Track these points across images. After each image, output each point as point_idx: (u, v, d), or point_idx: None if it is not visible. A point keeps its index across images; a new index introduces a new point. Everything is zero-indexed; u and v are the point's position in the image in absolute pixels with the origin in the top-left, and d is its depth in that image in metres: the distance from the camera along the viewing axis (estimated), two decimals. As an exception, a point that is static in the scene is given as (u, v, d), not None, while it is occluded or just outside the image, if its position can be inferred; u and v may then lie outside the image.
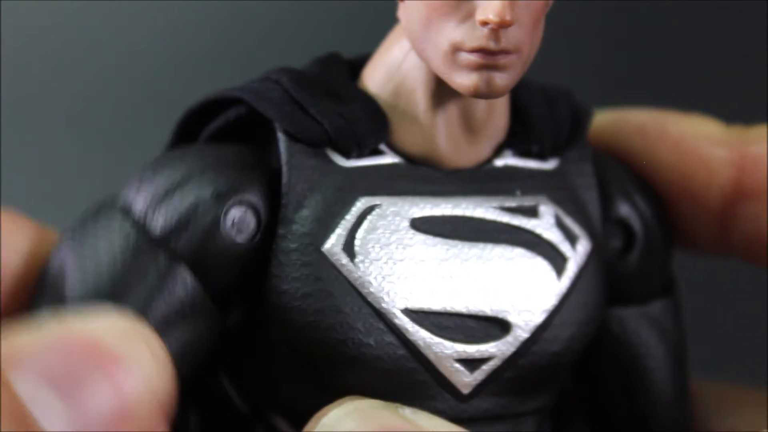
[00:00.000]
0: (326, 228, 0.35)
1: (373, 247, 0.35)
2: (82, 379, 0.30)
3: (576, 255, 0.37)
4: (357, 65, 0.38)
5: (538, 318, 0.36)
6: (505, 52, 0.34)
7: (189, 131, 0.38)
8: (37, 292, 0.35)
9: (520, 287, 0.36)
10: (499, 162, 0.38)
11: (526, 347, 0.36)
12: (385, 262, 0.35)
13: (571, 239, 0.37)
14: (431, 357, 0.35)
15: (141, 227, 0.34)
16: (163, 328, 0.33)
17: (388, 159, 0.36)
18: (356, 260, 0.35)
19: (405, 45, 0.36)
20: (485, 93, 0.34)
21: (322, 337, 0.35)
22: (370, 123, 0.36)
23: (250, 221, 0.35)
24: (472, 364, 0.36)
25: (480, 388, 0.36)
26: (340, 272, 0.35)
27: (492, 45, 0.33)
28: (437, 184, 0.36)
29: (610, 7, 0.62)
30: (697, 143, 0.41)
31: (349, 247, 0.35)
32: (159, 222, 0.35)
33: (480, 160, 0.37)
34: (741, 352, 0.57)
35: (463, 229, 0.36)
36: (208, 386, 0.39)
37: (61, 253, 0.35)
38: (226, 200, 0.35)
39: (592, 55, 0.62)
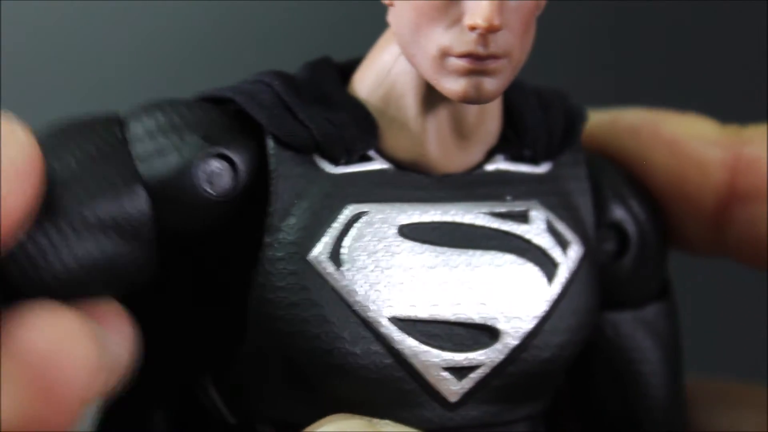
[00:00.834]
0: (313, 236, 0.35)
1: (359, 255, 0.35)
2: None
3: (567, 260, 0.37)
4: (348, 70, 0.38)
5: (528, 324, 0.36)
6: (494, 57, 0.33)
7: None
8: None
9: (510, 294, 0.36)
10: (490, 167, 0.37)
11: (515, 354, 0.36)
12: (372, 270, 0.35)
13: (563, 244, 0.37)
14: (418, 365, 0.35)
15: (125, 142, 0.35)
16: (93, 227, 0.33)
17: (377, 165, 0.36)
18: (343, 268, 0.35)
19: (395, 50, 0.36)
20: (474, 98, 0.34)
21: (309, 346, 0.34)
22: (359, 129, 0.36)
23: (226, 177, 0.35)
24: (460, 372, 0.35)
25: (468, 396, 0.36)
26: (326, 281, 0.34)
27: (480, 50, 0.33)
28: (426, 190, 0.36)
29: (610, 7, 0.62)
30: (690, 144, 0.40)
31: (335, 256, 0.35)
32: (141, 146, 0.35)
33: (471, 164, 0.37)
34: (741, 352, 0.57)
35: (451, 236, 0.36)
36: (194, 396, 0.39)
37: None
38: (208, 149, 0.35)
39: (591, 56, 0.62)
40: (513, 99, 0.38)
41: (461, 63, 0.33)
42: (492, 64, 0.33)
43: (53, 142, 0.34)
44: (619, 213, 0.39)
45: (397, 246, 0.35)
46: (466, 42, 0.33)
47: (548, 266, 0.36)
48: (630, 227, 0.39)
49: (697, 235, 0.41)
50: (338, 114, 0.35)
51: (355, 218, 0.35)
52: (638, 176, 0.40)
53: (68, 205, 0.33)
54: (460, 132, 0.36)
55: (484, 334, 0.36)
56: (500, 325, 0.36)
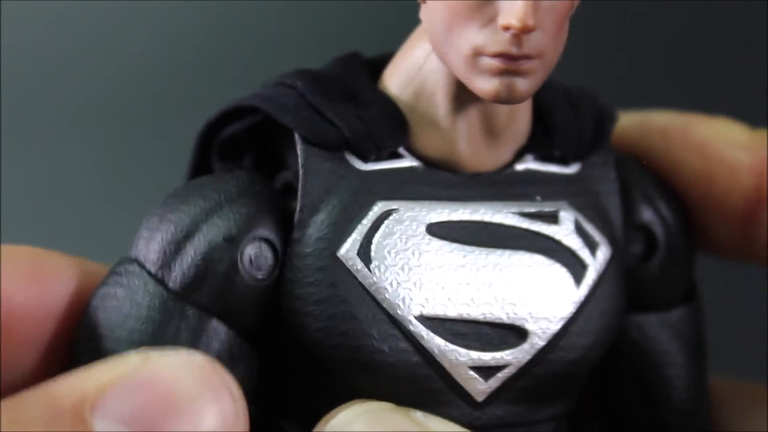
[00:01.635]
0: (342, 233, 0.35)
1: (389, 252, 0.35)
2: (163, 421, 0.29)
3: (595, 262, 0.37)
4: (378, 66, 0.38)
5: (556, 326, 0.36)
6: (528, 57, 0.33)
7: (207, 142, 0.38)
8: (76, 347, 0.34)
9: (538, 294, 0.36)
10: (520, 166, 0.37)
11: (542, 355, 0.36)
12: (400, 268, 0.35)
13: (591, 246, 0.37)
14: (446, 364, 0.35)
15: (160, 281, 0.34)
16: None
17: (407, 162, 0.36)
18: (371, 266, 0.34)
19: (426, 47, 0.36)
20: (506, 98, 0.34)
21: (336, 342, 0.34)
22: (389, 126, 0.35)
23: (267, 255, 0.35)
24: (487, 371, 0.35)
25: (494, 396, 0.36)
26: (354, 278, 0.34)
27: (514, 50, 0.33)
28: (456, 188, 0.36)
29: (610, 7, 0.61)
30: (720, 147, 0.40)
31: (364, 253, 0.35)
32: (177, 276, 0.34)
33: (500, 164, 0.37)
34: (741, 352, 0.56)
35: (480, 235, 0.36)
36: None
37: (91, 318, 0.34)
38: (239, 241, 0.34)
39: (592, 57, 0.62)
40: (543, 98, 0.38)
41: (494, 63, 0.33)
42: (525, 65, 0.33)
43: (106, 337, 0.34)
44: (647, 215, 0.39)
45: (426, 244, 0.35)
46: (500, 42, 0.33)
47: (576, 267, 0.36)
48: (658, 230, 0.39)
49: (725, 239, 0.41)
50: (368, 111, 0.35)
51: (385, 215, 0.35)
52: (667, 179, 0.40)
53: None
54: (491, 131, 0.36)
55: (512, 334, 0.35)
56: (528, 326, 0.36)
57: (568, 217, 0.37)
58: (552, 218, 0.37)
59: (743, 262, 0.42)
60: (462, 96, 0.35)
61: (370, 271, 0.34)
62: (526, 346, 0.36)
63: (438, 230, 0.35)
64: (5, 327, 0.33)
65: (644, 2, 0.62)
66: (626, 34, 0.64)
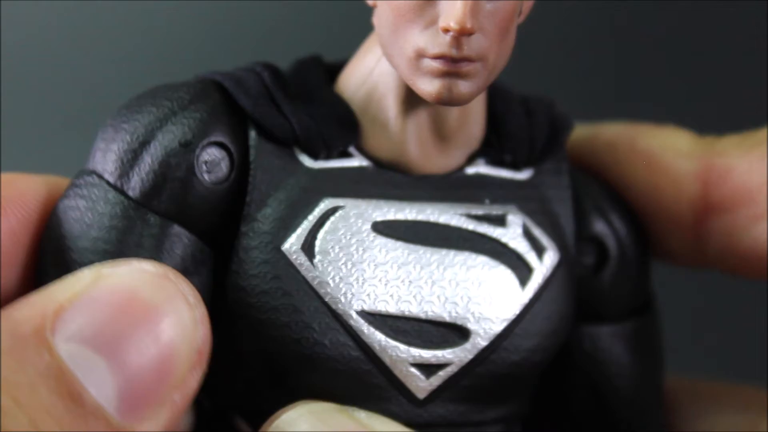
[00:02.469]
0: (287, 227, 0.35)
1: (332, 248, 0.35)
2: (123, 334, 0.30)
3: (542, 266, 0.37)
4: (337, 69, 0.38)
5: (498, 327, 0.36)
6: (468, 59, 0.34)
7: None
8: (42, 262, 0.35)
9: (481, 295, 0.36)
10: (471, 170, 0.38)
11: (484, 355, 0.36)
12: (343, 264, 0.35)
13: (538, 250, 0.37)
14: (386, 360, 0.35)
15: (120, 190, 0.35)
16: None
17: (357, 162, 0.37)
18: (315, 260, 0.35)
19: (378, 51, 0.36)
20: (448, 100, 0.34)
21: (278, 335, 0.35)
22: (340, 126, 0.36)
23: (223, 159, 0.36)
24: (428, 369, 0.36)
25: (436, 394, 0.36)
26: (298, 271, 0.35)
27: (454, 52, 0.34)
28: (404, 189, 0.37)
29: (610, 7, 0.62)
30: (665, 157, 0.40)
31: (308, 247, 0.35)
32: (137, 184, 0.35)
33: (451, 167, 0.37)
34: (741, 351, 0.56)
35: (426, 235, 0.36)
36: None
37: (54, 231, 0.35)
38: (195, 146, 0.35)
39: (591, 58, 0.62)
40: (497, 105, 0.38)
41: (435, 64, 0.34)
42: (465, 67, 0.34)
43: (69, 247, 0.34)
44: (599, 227, 0.39)
45: (371, 241, 0.36)
46: (440, 44, 0.34)
47: (522, 270, 0.37)
48: (610, 242, 0.39)
49: (679, 248, 0.41)
50: (319, 110, 0.36)
51: (331, 212, 0.36)
52: (618, 191, 0.40)
53: None
54: (441, 134, 0.37)
55: (454, 333, 0.36)
56: (470, 325, 0.36)
57: (515, 220, 0.37)
58: (499, 221, 0.37)
59: (700, 269, 0.42)
60: (411, 99, 0.36)
61: (313, 266, 0.35)
62: (468, 345, 0.36)
63: (383, 228, 0.36)
64: None
65: (644, 2, 0.63)
66: (626, 34, 0.64)
